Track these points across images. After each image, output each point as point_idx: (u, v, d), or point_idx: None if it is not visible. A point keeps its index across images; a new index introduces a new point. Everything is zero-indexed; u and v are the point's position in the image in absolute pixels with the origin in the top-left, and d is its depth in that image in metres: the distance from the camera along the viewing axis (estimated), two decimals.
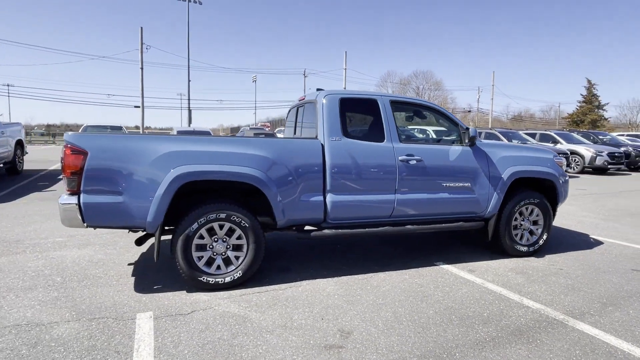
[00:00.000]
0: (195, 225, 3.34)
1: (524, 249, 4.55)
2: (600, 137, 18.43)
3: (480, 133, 14.81)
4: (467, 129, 4.24)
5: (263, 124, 56.64)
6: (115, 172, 3.17)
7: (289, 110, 5.11)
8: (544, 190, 4.72)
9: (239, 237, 3.51)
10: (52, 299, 3.22)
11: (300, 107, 4.62)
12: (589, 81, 49.11)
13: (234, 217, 3.43)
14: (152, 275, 3.79)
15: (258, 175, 3.42)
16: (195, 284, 3.40)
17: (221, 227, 3.45)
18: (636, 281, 3.85)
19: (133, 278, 3.72)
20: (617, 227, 6.24)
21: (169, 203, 3.24)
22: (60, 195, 3.29)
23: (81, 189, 3.12)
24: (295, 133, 4.75)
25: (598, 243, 5.23)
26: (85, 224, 3.17)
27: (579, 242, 5.28)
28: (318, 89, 4.61)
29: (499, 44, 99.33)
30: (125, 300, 3.22)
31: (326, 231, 3.80)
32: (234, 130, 49.37)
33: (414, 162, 3.97)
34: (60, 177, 3.52)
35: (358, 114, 4.03)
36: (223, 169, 3.35)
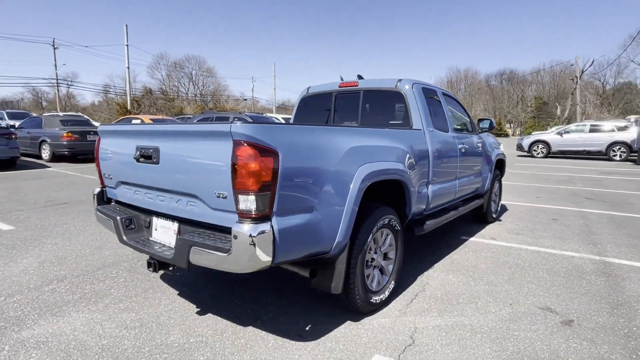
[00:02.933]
0: (369, 238, 2.72)
1: (495, 215, 5.72)
2: None
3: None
4: (480, 120, 4.95)
5: None
6: (307, 180, 2.22)
7: (310, 96, 4.49)
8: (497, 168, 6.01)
9: (390, 244, 3.06)
10: None
11: (346, 95, 4.18)
12: (359, 77, 60.11)
13: (392, 222, 2.97)
14: (264, 317, 2.80)
15: (407, 171, 3.07)
16: (367, 308, 2.79)
17: (381, 234, 2.93)
18: (573, 227, 5.53)
19: (251, 329, 2.66)
20: None
21: (357, 213, 2.52)
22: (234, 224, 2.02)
23: (274, 208, 2.04)
24: (334, 121, 4.26)
25: (505, 207, 7.03)
26: (272, 262, 2.09)
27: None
28: (359, 76, 4.32)
29: (272, 38, 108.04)
30: (308, 356, 2.34)
31: (428, 222, 3.74)
32: None
33: (464, 150, 4.37)
34: (222, 194, 2.13)
35: (431, 105, 4.05)
36: (393, 167, 2.85)
